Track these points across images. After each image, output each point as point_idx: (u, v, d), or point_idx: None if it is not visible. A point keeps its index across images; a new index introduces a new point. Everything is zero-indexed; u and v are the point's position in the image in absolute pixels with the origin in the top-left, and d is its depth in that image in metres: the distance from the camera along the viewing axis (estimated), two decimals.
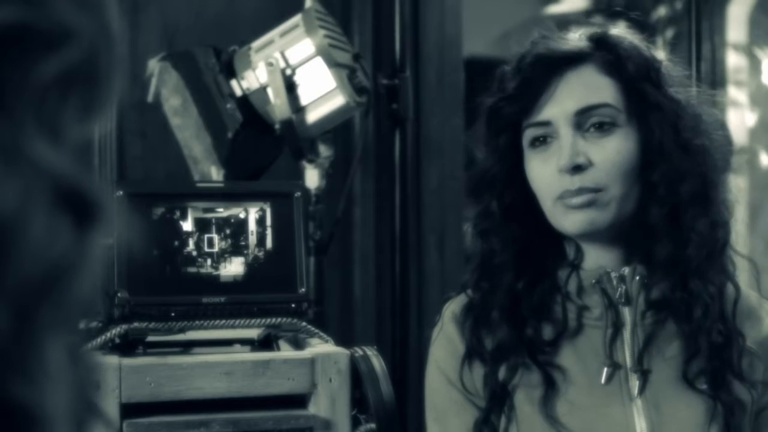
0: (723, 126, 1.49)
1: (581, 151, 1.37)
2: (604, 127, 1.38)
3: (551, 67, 1.40)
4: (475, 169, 1.49)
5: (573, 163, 1.36)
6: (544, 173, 1.39)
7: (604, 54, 1.41)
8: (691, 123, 1.42)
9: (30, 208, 0.40)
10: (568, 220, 1.38)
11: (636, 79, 1.40)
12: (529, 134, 1.41)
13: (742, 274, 1.47)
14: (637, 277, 1.42)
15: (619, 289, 1.42)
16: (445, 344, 1.47)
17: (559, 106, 1.39)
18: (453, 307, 1.48)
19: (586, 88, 1.39)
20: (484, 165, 1.46)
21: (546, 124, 1.40)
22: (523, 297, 1.42)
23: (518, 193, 1.44)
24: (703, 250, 1.39)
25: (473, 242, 1.49)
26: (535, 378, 1.40)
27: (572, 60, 1.40)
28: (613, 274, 1.42)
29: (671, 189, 1.39)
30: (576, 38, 1.43)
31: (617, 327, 1.41)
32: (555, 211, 1.39)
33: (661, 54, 1.46)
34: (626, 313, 1.42)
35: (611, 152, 1.38)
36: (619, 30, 1.46)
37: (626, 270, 1.42)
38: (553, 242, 1.45)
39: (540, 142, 1.41)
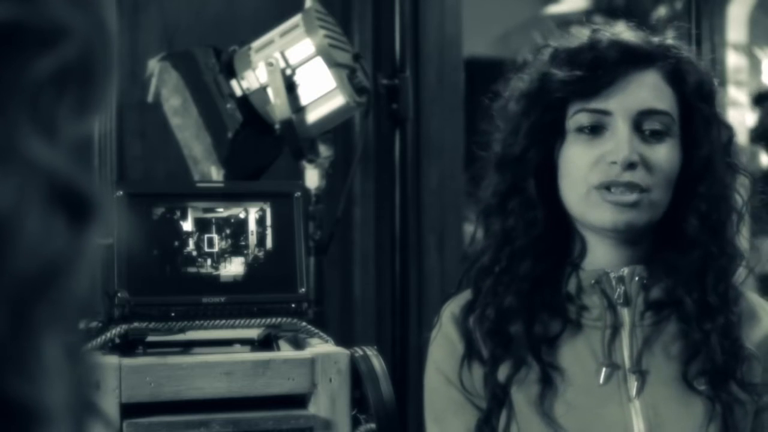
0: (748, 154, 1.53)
1: (636, 150, 1.37)
2: (659, 134, 1.39)
3: (626, 58, 1.39)
4: (501, 143, 1.45)
5: (631, 159, 1.36)
6: (586, 161, 1.38)
7: (669, 62, 1.41)
8: (738, 149, 1.45)
9: (25, 206, 0.40)
10: (602, 214, 1.37)
11: (693, 94, 1.41)
12: (580, 118, 1.39)
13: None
14: (636, 278, 1.42)
15: (618, 289, 1.42)
16: (443, 344, 1.46)
17: (625, 100, 1.38)
18: (452, 307, 1.48)
19: (652, 91, 1.39)
20: (517, 141, 1.42)
21: (605, 113, 1.38)
22: (537, 286, 1.41)
23: (548, 175, 1.42)
24: (730, 268, 1.41)
25: (489, 223, 1.45)
26: (533, 376, 1.39)
27: (645, 58, 1.40)
28: (612, 275, 1.42)
29: (714, 205, 1.40)
30: (641, 37, 1.43)
31: (616, 328, 1.41)
32: (587, 200, 1.38)
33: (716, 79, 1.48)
34: (625, 313, 1.42)
35: (661, 159, 1.38)
36: (677, 41, 1.46)
37: (625, 271, 1.42)
38: (561, 236, 1.44)
39: (590, 129, 1.39)
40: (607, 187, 1.36)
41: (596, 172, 1.37)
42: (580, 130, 1.39)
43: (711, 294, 1.39)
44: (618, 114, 1.38)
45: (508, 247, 1.42)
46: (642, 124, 1.38)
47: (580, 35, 1.43)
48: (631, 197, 1.36)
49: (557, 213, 1.42)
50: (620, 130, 1.37)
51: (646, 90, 1.39)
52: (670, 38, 1.45)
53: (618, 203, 1.36)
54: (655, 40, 1.43)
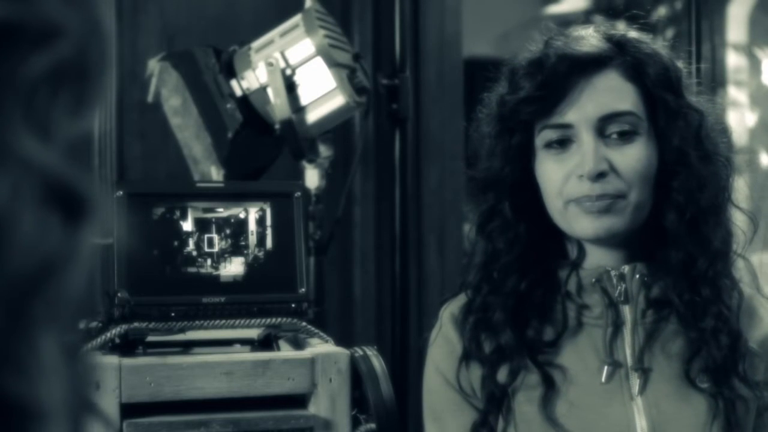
0: (726, 132, 1.49)
1: (603, 158, 1.36)
2: (627, 135, 1.37)
3: (575, 68, 1.37)
4: (481, 167, 1.46)
5: (597, 170, 1.35)
6: (559, 176, 1.38)
7: (626, 58, 1.39)
8: (711, 132, 1.41)
9: (19, 204, 0.40)
10: (582, 225, 1.38)
11: (657, 86, 1.39)
12: (545, 135, 1.39)
13: (742, 273, 1.47)
14: (637, 276, 1.41)
15: (619, 287, 1.42)
16: (443, 345, 1.46)
17: (582, 110, 1.37)
18: (451, 308, 1.48)
19: (610, 93, 1.38)
20: (493, 164, 1.43)
21: (567, 126, 1.38)
22: (525, 298, 1.42)
23: (527, 193, 1.43)
24: (718, 259, 1.39)
25: (476, 242, 1.48)
26: (534, 378, 1.39)
27: (597, 63, 1.38)
28: (612, 273, 1.42)
29: (690, 197, 1.38)
30: (595, 39, 1.41)
31: (617, 325, 1.41)
32: (566, 214, 1.38)
33: (679, 61, 1.45)
34: (626, 311, 1.42)
35: (632, 160, 1.37)
36: (639, 34, 1.45)
37: (626, 268, 1.42)
38: (555, 242, 1.45)
39: (557, 144, 1.39)
40: (580, 200, 1.37)
41: (569, 187, 1.37)
42: (549, 146, 1.39)
43: (702, 288, 1.39)
44: (579, 125, 1.37)
45: (495, 264, 1.43)
46: (606, 129, 1.37)
47: (535, 48, 1.42)
48: (605, 203, 1.36)
49: (547, 223, 1.42)
50: (584, 142, 1.36)
51: (604, 94, 1.37)
52: (631, 32, 1.44)
53: (593, 212, 1.36)
54: (612, 37, 1.41)
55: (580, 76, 1.38)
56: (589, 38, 1.41)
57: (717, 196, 1.40)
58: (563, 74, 1.37)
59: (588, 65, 1.38)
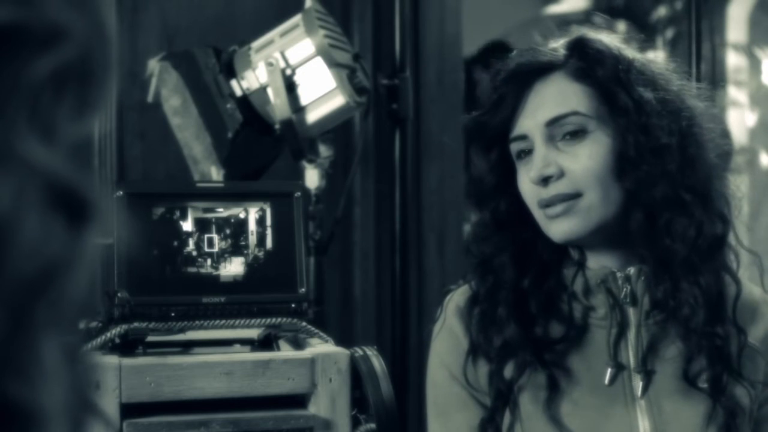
0: (716, 119, 1.47)
1: (552, 162, 1.38)
2: (577, 134, 1.38)
3: (521, 80, 1.41)
4: (471, 178, 1.50)
5: (541, 175, 1.37)
6: (527, 184, 1.41)
7: (576, 61, 1.41)
8: (663, 122, 1.39)
9: (23, 207, 0.40)
10: (549, 230, 1.40)
11: (606, 83, 1.39)
12: (513, 147, 1.43)
13: (746, 270, 1.46)
14: (643, 278, 1.41)
15: (625, 289, 1.41)
16: (447, 338, 1.46)
17: (531, 119, 1.40)
18: (456, 299, 1.48)
19: (553, 98, 1.40)
20: (479, 175, 1.47)
21: (524, 137, 1.41)
22: (530, 294, 1.42)
23: (514, 201, 1.44)
24: (684, 253, 1.38)
25: (473, 246, 1.49)
26: (539, 378, 1.39)
27: (542, 71, 1.41)
28: (618, 274, 1.42)
29: (645, 194, 1.38)
30: (552, 47, 1.43)
31: (622, 327, 1.41)
32: (540, 219, 1.41)
33: (632, 52, 1.44)
34: (631, 313, 1.41)
35: (583, 158, 1.37)
36: (596, 33, 1.45)
37: (632, 270, 1.42)
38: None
39: (525, 153, 1.42)
40: (545, 205, 1.39)
41: (533, 193, 1.40)
42: (518, 156, 1.43)
43: (682, 285, 1.38)
44: (532, 134, 1.40)
45: (490, 264, 1.44)
46: (556, 133, 1.39)
47: (499, 67, 1.46)
48: (559, 208, 1.37)
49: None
50: (537, 149, 1.40)
51: (547, 100, 1.40)
52: (588, 33, 1.45)
53: (552, 217, 1.38)
54: (565, 42, 1.43)
55: (526, 87, 1.41)
56: (543, 49, 1.44)
57: (670, 189, 1.38)
58: (511, 88, 1.41)
59: (531, 76, 1.41)
